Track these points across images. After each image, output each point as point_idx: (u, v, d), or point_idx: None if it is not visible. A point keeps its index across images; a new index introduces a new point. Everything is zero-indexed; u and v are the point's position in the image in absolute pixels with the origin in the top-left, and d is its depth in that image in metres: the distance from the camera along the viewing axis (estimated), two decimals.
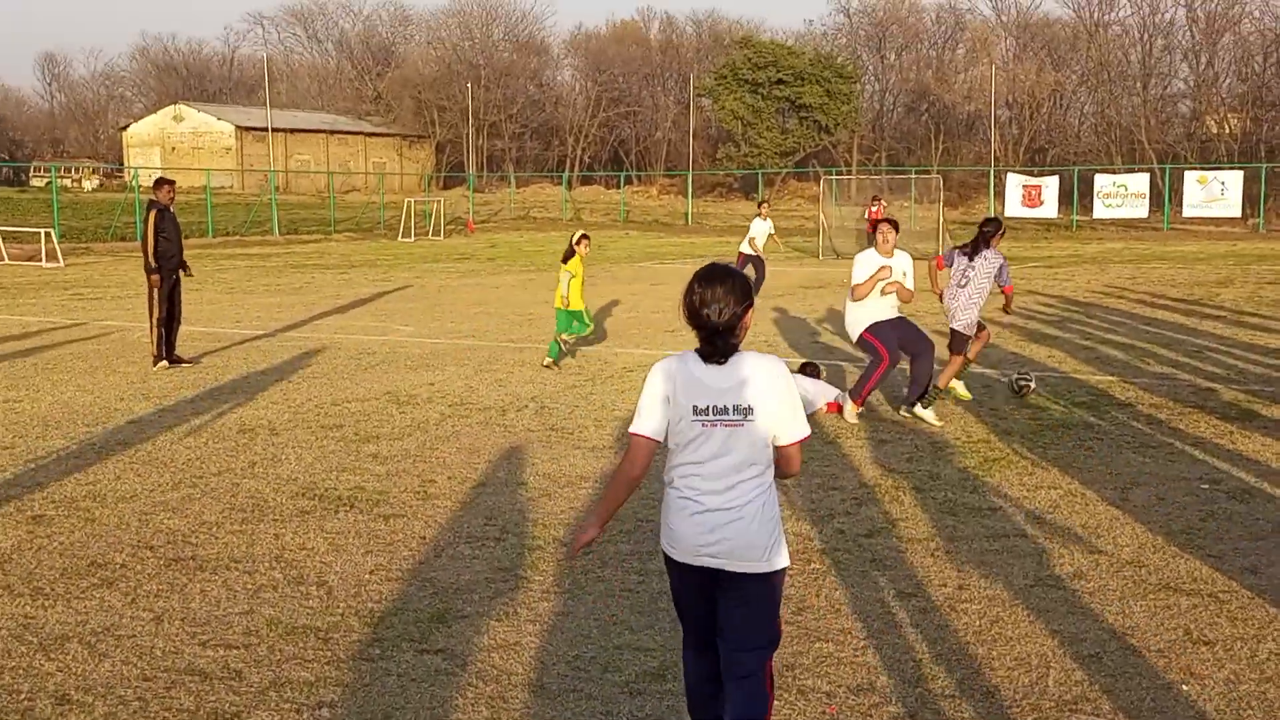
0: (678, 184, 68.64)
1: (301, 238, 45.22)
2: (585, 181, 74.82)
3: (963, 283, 10.65)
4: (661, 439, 3.82)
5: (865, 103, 75.30)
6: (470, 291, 22.93)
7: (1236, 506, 7.31)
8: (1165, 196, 47.56)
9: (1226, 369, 12.50)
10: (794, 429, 3.79)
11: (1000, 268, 10.67)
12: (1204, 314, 17.90)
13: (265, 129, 77.98)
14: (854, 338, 10.44)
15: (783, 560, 3.82)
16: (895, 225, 10.30)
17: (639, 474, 3.85)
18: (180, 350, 13.56)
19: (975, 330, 10.81)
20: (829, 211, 37.16)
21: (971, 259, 10.65)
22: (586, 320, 13.26)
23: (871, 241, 10.77)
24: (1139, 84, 66.67)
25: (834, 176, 42.73)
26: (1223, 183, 44.92)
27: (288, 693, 4.80)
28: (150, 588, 6.04)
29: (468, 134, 68.04)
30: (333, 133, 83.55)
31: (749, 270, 19.97)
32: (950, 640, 5.27)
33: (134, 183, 49.85)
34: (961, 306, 10.61)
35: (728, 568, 3.77)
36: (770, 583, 3.81)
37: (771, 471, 3.83)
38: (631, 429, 3.84)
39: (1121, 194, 47.09)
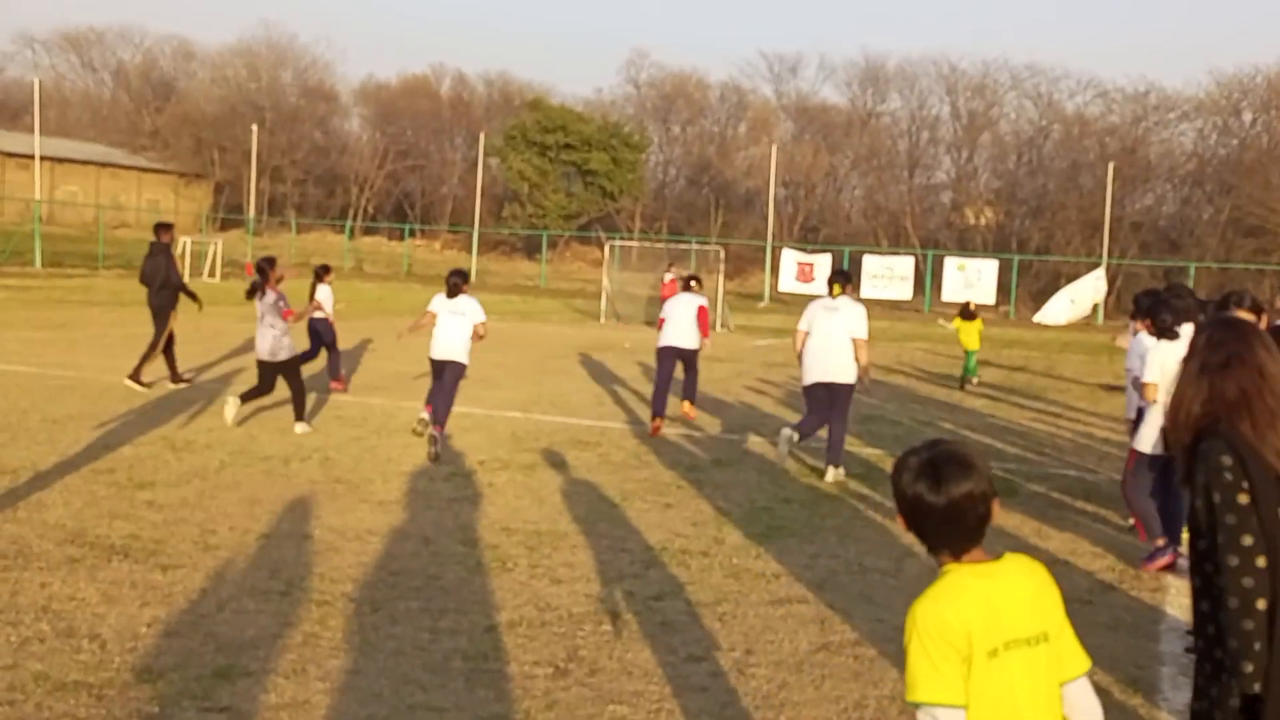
0: (462, 239, 68.43)
1: (66, 272, 43.14)
2: (369, 232, 73.80)
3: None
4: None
5: (649, 172, 76.85)
6: (243, 338, 22.18)
7: None
8: (927, 280, 50.05)
9: (986, 447, 13.21)
10: (478, 317, 11.63)
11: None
12: (964, 393, 18.88)
13: (30, 156, 73.81)
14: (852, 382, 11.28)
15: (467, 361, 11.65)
16: None
17: (429, 324, 11.61)
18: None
19: None
20: (612, 276, 37.70)
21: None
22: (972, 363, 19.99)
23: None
24: (906, 172, 70.33)
25: (617, 242, 43.33)
26: (979, 270, 47.59)
27: None
28: None
29: (249, 176, 66.17)
30: (105, 165, 79.93)
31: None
32: (740, 704, 5.39)
33: None
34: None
35: (447, 358, 11.38)
36: (462, 366, 11.52)
37: (471, 334, 11.45)
38: (429, 308, 11.57)
39: (888, 275, 49.28)
